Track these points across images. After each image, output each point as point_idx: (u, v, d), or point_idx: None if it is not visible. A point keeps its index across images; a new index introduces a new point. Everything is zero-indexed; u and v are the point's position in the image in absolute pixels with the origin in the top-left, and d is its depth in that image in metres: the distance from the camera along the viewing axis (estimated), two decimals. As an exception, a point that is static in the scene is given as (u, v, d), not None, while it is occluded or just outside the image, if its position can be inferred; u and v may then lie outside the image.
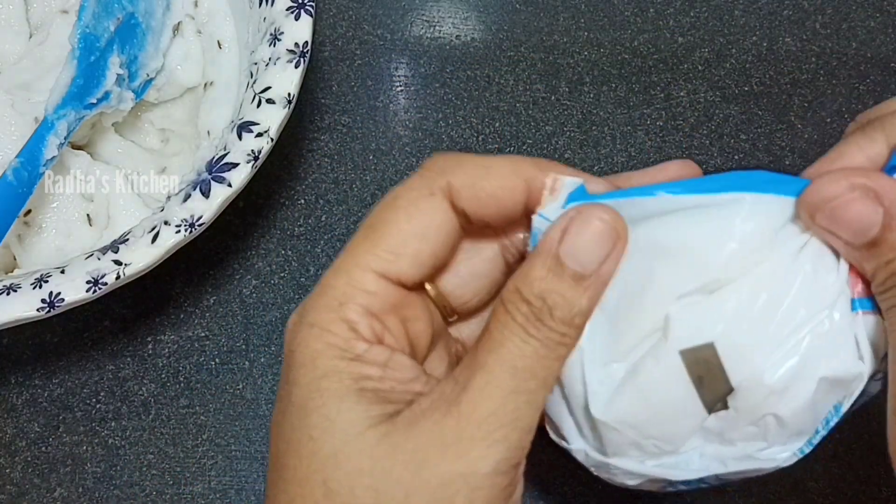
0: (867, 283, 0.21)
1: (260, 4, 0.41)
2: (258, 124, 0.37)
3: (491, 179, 0.23)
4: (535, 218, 0.23)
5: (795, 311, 0.21)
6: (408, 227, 0.23)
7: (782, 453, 0.22)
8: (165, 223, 0.36)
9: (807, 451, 0.22)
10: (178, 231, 0.36)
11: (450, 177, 0.23)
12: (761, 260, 0.21)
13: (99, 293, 0.35)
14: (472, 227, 0.24)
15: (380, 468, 0.20)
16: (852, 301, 0.21)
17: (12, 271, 0.41)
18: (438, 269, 0.24)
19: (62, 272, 0.36)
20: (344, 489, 0.20)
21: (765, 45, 0.49)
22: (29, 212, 0.40)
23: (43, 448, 0.41)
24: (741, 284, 0.21)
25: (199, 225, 0.36)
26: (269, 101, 0.38)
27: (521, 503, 0.22)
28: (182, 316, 0.44)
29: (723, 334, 0.21)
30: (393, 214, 0.23)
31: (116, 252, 0.36)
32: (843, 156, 0.23)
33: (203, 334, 0.43)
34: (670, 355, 0.21)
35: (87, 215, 0.41)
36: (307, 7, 0.39)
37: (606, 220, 0.21)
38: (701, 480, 0.23)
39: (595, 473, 0.24)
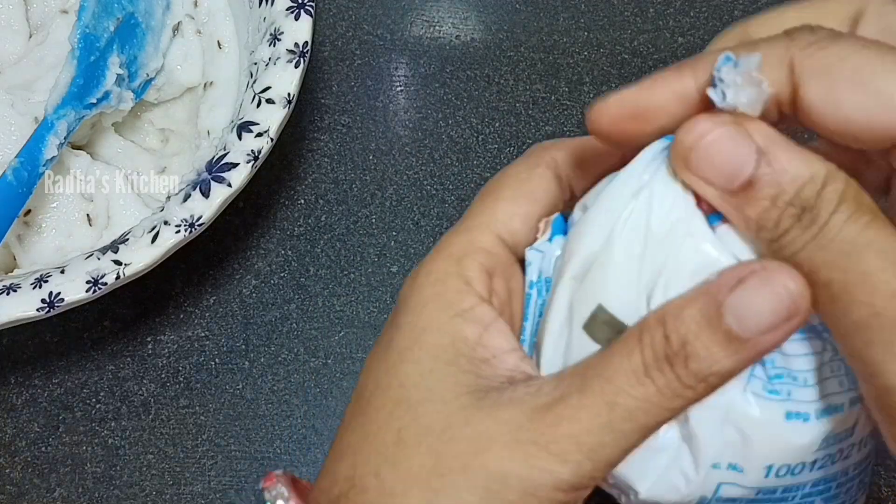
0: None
1: (260, 4, 0.41)
2: (258, 124, 0.37)
3: (590, 154, 0.24)
4: (528, 252, 0.23)
5: (658, 243, 0.20)
6: (519, 193, 0.23)
7: None
8: (165, 223, 0.36)
9: None
10: (178, 231, 0.36)
11: (553, 152, 0.24)
12: (613, 220, 0.21)
13: (99, 293, 0.35)
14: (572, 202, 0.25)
15: (448, 436, 0.20)
16: (708, 218, 0.20)
17: (12, 271, 0.41)
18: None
19: (62, 272, 0.36)
20: (412, 442, 0.21)
21: (765, 45, 0.49)
22: (29, 212, 0.40)
23: (43, 448, 0.41)
24: (607, 245, 0.21)
25: (199, 225, 0.36)
26: (269, 101, 0.38)
27: None
28: (182, 316, 0.44)
29: (604, 293, 0.21)
30: (504, 182, 0.24)
31: (116, 252, 0.36)
32: (650, 90, 0.21)
33: (203, 334, 0.43)
34: (582, 339, 0.21)
35: (87, 215, 0.41)
36: (307, 7, 0.39)
37: (791, 290, 0.19)
38: None
39: None
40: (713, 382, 0.19)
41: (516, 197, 0.24)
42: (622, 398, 0.19)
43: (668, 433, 0.22)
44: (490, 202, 0.24)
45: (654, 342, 0.19)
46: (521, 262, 0.24)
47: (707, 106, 0.20)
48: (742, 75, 0.19)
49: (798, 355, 0.21)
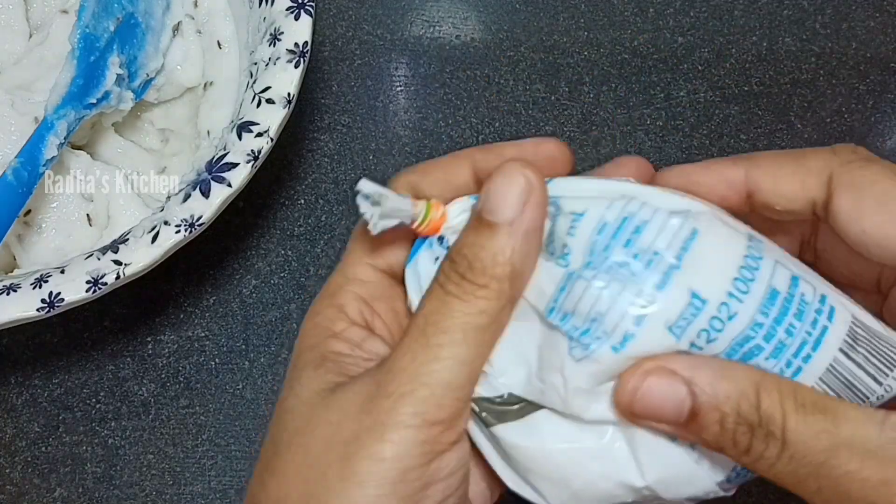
0: None
1: (260, 4, 0.41)
2: (258, 124, 0.37)
3: (446, 169, 0.25)
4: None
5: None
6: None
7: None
8: (165, 223, 0.36)
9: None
10: (178, 231, 0.36)
11: (414, 177, 0.25)
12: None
13: (99, 293, 0.35)
14: None
15: (311, 426, 0.22)
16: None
17: (12, 271, 0.41)
18: None
19: (62, 272, 0.36)
20: (284, 446, 0.22)
21: (765, 45, 0.49)
22: (29, 212, 0.40)
23: (43, 448, 0.41)
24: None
25: (199, 225, 0.36)
26: (269, 101, 0.38)
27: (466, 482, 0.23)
28: (182, 316, 0.44)
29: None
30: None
31: (116, 252, 0.36)
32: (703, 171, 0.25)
33: (203, 334, 0.43)
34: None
35: (87, 215, 0.41)
36: (307, 7, 0.39)
37: (516, 171, 0.22)
38: None
39: None
40: (500, 273, 0.21)
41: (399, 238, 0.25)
42: (430, 316, 0.21)
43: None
44: (365, 234, 0.25)
45: (445, 271, 0.22)
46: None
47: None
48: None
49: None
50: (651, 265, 0.21)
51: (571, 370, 0.21)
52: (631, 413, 0.21)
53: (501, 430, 0.22)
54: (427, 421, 0.21)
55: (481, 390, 0.22)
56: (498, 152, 0.25)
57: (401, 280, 0.25)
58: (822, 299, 0.21)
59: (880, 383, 0.21)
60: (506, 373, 0.22)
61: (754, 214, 0.25)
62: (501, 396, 0.22)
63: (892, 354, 0.21)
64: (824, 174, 0.22)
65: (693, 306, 0.21)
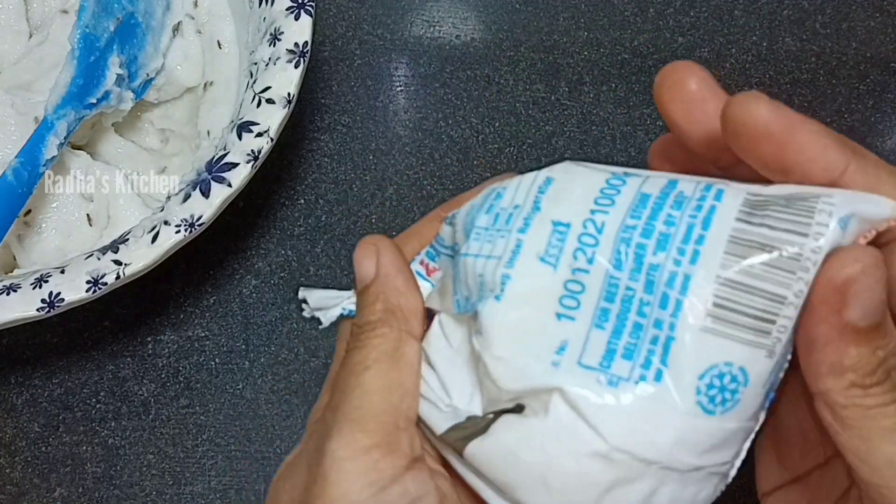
0: None
1: (260, 4, 0.41)
2: (258, 124, 0.37)
3: (420, 235, 0.26)
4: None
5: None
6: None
7: None
8: (165, 223, 0.36)
9: None
10: (178, 231, 0.36)
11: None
12: None
13: (99, 293, 0.35)
14: None
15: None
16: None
17: (12, 271, 0.41)
18: None
19: (62, 272, 0.36)
20: None
21: (765, 45, 0.49)
22: (29, 212, 0.40)
23: (43, 448, 0.41)
24: None
25: (199, 225, 0.36)
26: (269, 100, 0.38)
27: None
28: (182, 316, 0.44)
29: None
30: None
31: (116, 252, 0.36)
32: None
33: (203, 334, 0.43)
34: None
35: (87, 215, 0.41)
36: (307, 7, 0.39)
37: (366, 242, 0.25)
38: None
39: None
40: (376, 317, 0.24)
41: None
42: (340, 373, 0.23)
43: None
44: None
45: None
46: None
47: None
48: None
49: None
50: (511, 218, 0.21)
51: (480, 343, 0.21)
52: (831, 284, 0.18)
53: (470, 451, 0.21)
54: (358, 450, 0.21)
55: (443, 423, 0.22)
56: (458, 202, 0.25)
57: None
58: (707, 187, 0.20)
59: (805, 235, 0.18)
60: (454, 397, 0.22)
61: None
62: (462, 421, 0.22)
63: (810, 205, 0.19)
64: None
65: (557, 232, 0.20)
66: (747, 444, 0.20)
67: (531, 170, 0.23)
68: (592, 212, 0.20)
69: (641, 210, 0.20)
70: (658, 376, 0.19)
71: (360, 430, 0.21)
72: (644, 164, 0.47)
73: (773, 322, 0.19)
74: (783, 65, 0.49)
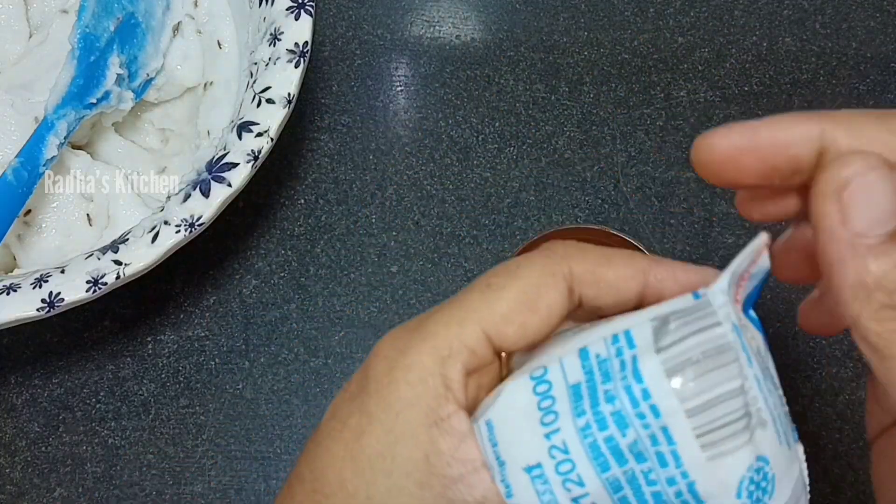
0: None
1: (260, 4, 0.41)
2: (258, 124, 0.37)
3: (611, 269, 0.22)
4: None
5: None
6: (524, 298, 0.22)
7: None
8: (165, 223, 0.36)
9: None
10: (178, 231, 0.36)
11: (572, 262, 0.22)
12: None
13: (99, 293, 0.35)
14: (578, 311, 0.23)
15: None
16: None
17: (12, 271, 0.41)
18: (530, 346, 0.23)
19: (62, 272, 0.36)
20: None
21: (765, 45, 0.49)
22: (29, 212, 0.40)
23: (43, 448, 0.41)
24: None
25: (199, 225, 0.36)
26: (269, 100, 0.38)
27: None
28: (182, 316, 0.44)
29: None
30: (513, 282, 0.22)
31: (116, 252, 0.36)
32: (775, 125, 0.20)
33: (203, 334, 0.43)
34: None
35: (87, 215, 0.41)
36: (307, 7, 0.39)
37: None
38: None
39: None
40: None
41: (521, 302, 0.22)
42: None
43: None
44: (490, 298, 0.22)
45: None
46: (499, 359, 0.23)
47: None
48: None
49: None
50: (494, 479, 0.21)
51: None
52: (836, 194, 0.18)
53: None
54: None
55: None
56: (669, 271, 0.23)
57: (499, 354, 0.23)
58: (615, 338, 0.20)
59: (718, 324, 0.19)
60: None
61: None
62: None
63: (701, 303, 0.20)
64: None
65: (535, 478, 0.20)
66: (804, 467, 0.21)
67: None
68: (548, 436, 0.20)
69: (581, 404, 0.20)
70: None
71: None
72: (643, 164, 0.47)
73: (748, 414, 0.19)
74: (783, 65, 0.49)
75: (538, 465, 0.20)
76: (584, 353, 0.20)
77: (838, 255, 0.18)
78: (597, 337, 0.21)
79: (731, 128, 0.20)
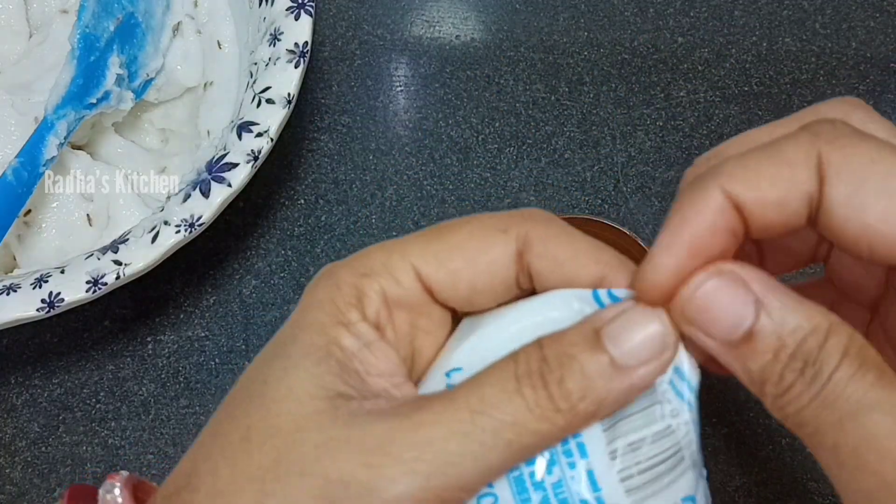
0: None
1: (260, 4, 0.41)
2: (258, 124, 0.37)
3: (569, 250, 0.21)
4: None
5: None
6: (463, 246, 0.21)
7: None
8: (165, 223, 0.36)
9: None
10: (178, 231, 0.36)
11: (530, 227, 0.21)
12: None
13: (99, 293, 0.35)
14: (528, 289, 0.22)
15: (295, 438, 0.19)
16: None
17: (12, 271, 0.41)
18: (474, 305, 0.22)
19: (62, 272, 0.36)
20: (257, 440, 0.20)
21: (765, 45, 0.49)
22: (29, 212, 0.40)
23: (43, 448, 0.41)
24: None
25: (199, 225, 0.36)
26: (269, 101, 0.38)
27: None
28: (182, 316, 0.44)
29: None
30: (459, 228, 0.21)
31: (116, 252, 0.36)
32: (686, 222, 0.19)
33: (203, 334, 0.43)
34: None
35: (87, 215, 0.41)
36: (307, 7, 0.39)
37: (665, 324, 0.19)
38: None
39: None
40: (583, 410, 0.19)
41: (458, 249, 0.21)
42: (489, 409, 0.18)
43: None
44: (430, 239, 0.21)
45: (529, 360, 0.19)
46: (444, 306, 0.22)
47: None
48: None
49: None
50: None
51: None
52: (682, 314, 0.19)
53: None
54: (420, 502, 0.18)
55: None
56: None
57: (441, 306, 0.22)
58: (568, 452, 0.19)
59: (672, 428, 0.19)
60: None
61: (769, 255, 0.23)
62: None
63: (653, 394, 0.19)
64: (811, 161, 0.18)
65: None
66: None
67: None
68: None
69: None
70: None
71: (437, 495, 0.19)
72: (643, 164, 0.47)
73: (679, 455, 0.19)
74: (783, 65, 0.49)
75: None
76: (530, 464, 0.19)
77: (724, 361, 0.19)
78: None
79: (657, 262, 0.19)
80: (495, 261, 0.21)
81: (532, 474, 0.19)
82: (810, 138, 0.19)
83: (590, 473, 0.19)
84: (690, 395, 0.20)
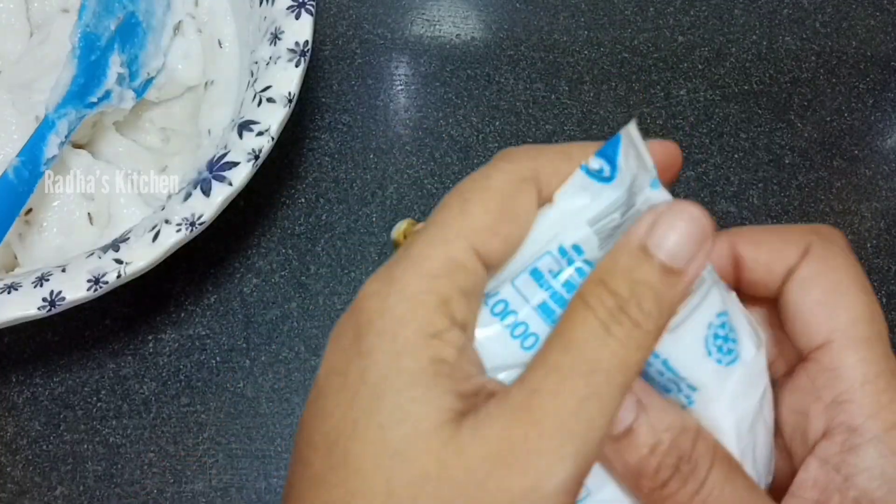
0: None
1: (261, 3, 0.41)
2: (259, 123, 0.37)
3: (572, 163, 0.22)
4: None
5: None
6: (503, 208, 0.21)
7: None
8: (166, 222, 0.36)
9: None
10: (179, 230, 0.36)
11: (536, 164, 0.22)
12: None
13: (100, 292, 0.35)
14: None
15: (446, 475, 0.18)
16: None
17: (13, 270, 0.41)
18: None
19: (63, 271, 0.36)
20: (406, 493, 0.19)
21: (764, 43, 0.49)
22: (30, 210, 0.40)
23: (44, 446, 0.42)
24: None
25: (200, 224, 0.36)
26: (270, 99, 0.38)
27: None
28: (183, 314, 0.44)
29: None
30: (489, 194, 0.22)
31: (117, 251, 0.36)
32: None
33: (204, 333, 0.43)
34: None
35: (88, 214, 0.41)
36: (307, 6, 0.39)
37: (697, 216, 0.20)
38: None
39: None
40: (664, 322, 0.20)
41: (501, 212, 0.21)
42: (597, 363, 0.19)
43: None
44: (471, 212, 0.22)
45: (603, 301, 0.20)
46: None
47: None
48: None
49: None
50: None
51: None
52: None
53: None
54: (580, 482, 0.19)
55: None
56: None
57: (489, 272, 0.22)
58: (561, 251, 0.21)
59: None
60: None
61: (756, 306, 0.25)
62: None
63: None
64: (802, 246, 0.22)
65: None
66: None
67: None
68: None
69: (553, 316, 0.21)
70: None
71: (585, 465, 0.20)
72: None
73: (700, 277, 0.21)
74: (783, 64, 0.49)
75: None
76: (536, 273, 0.21)
77: (605, 455, 0.21)
78: (542, 252, 0.21)
79: None
80: (529, 210, 0.22)
81: None
82: (811, 232, 0.23)
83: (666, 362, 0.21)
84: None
